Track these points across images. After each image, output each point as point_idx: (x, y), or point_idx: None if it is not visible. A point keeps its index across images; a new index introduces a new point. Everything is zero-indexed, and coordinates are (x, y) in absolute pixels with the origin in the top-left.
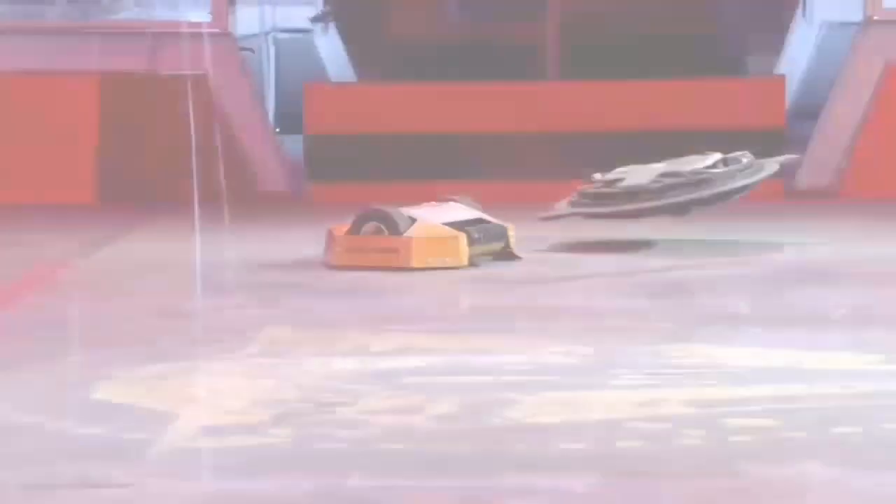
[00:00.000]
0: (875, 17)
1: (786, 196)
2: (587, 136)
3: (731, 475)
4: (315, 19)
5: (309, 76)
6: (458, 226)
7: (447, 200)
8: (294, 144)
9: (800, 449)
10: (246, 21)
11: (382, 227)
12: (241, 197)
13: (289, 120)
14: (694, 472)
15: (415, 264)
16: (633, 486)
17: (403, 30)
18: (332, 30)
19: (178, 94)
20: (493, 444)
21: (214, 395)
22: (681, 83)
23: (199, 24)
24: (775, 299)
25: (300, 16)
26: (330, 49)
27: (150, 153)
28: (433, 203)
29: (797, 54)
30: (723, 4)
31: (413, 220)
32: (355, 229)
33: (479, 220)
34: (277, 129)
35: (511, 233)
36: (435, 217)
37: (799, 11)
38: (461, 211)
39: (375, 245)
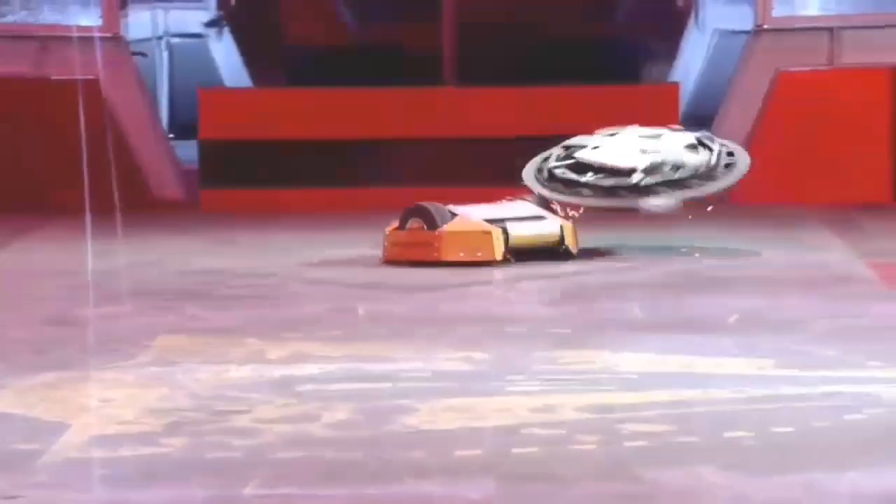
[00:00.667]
0: (765, 26)
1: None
2: (484, 141)
3: (627, 480)
4: (209, 24)
5: (203, 81)
6: (504, 222)
7: (514, 199)
8: (189, 150)
9: (694, 453)
10: (138, 25)
11: (422, 222)
12: (134, 204)
13: (183, 125)
14: (590, 477)
15: (446, 258)
16: (530, 491)
17: (300, 35)
18: (227, 34)
19: (68, 99)
20: (390, 451)
21: (106, 405)
22: (577, 89)
23: (89, 28)
24: (670, 305)
25: (194, 20)
26: (225, 54)
27: (39, 159)
28: (500, 202)
29: (691, 62)
30: (618, 11)
31: (453, 216)
32: (402, 225)
33: (537, 217)
34: (171, 135)
35: (567, 231)
36: (483, 213)
37: (692, 19)
38: (521, 208)
39: (416, 239)
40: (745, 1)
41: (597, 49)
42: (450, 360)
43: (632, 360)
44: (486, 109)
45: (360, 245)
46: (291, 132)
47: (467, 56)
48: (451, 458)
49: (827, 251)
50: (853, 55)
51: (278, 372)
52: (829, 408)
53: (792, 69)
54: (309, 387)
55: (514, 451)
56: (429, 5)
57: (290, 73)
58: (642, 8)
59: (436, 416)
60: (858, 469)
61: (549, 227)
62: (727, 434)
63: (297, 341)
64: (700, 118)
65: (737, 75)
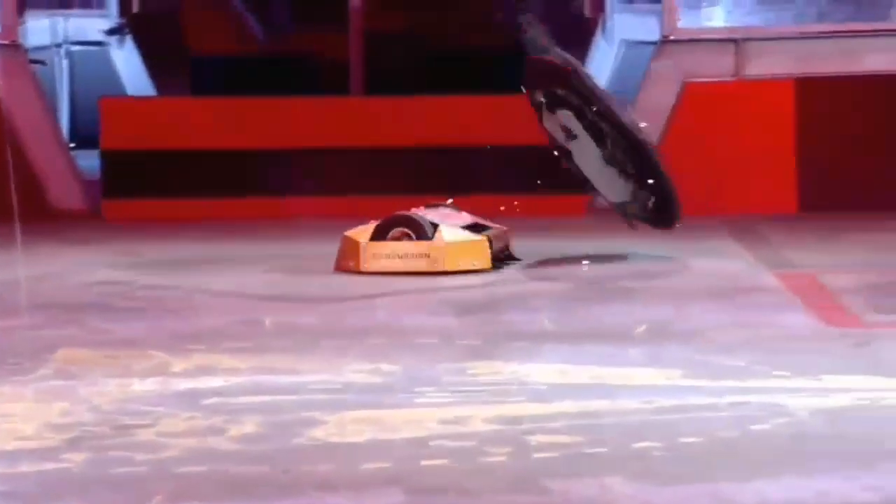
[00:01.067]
0: (672, 37)
1: (587, 211)
2: (393, 151)
3: (536, 492)
4: (110, 32)
5: (105, 90)
6: (473, 230)
7: (437, 205)
8: (91, 160)
9: (602, 464)
10: (37, 32)
11: (409, 232)
12: (34, 215)
13: (85, 135)
14: (499, 489)
15: (448, 268)
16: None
17: (206, 43)
18: (129, 42)
19: None
20: (297, 464)
21: (5, 420)
22: (484, 99)
23: None
24: (579, 315)
25: (94, 28)
26: (127, 62)
27: None
28: (423, 208)
29: (598, 73)
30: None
31: (435, 226)
32: (380, 235)
33: (481, 225)
34: (72, 145)
35: (510, 235)
36: (454, 223)
37: (599, 30)
38: (462, 216)
39: (406, 250)
40: (652, 12)
41: (504, 59)
42: (358, 371)
43: (541, 371)
44: (394, 119)
45: (267, 256)
46: (196, 142)
47: (375, 66)
48: (358, 471)
49: (734, 262)
50: (758, 66)
51: (183, 385)
52: (736, 418)
53: (698, 80)
54: (214, 400)
55: (424, 463)
56: (337, 15)
57: (196, 83)
58: (549, 18)
59: (344, 428)
60: (764, 478)
61: (499, 233)
62: (635, 445)
63: (203, 354)
64: None
65: (644, 86)
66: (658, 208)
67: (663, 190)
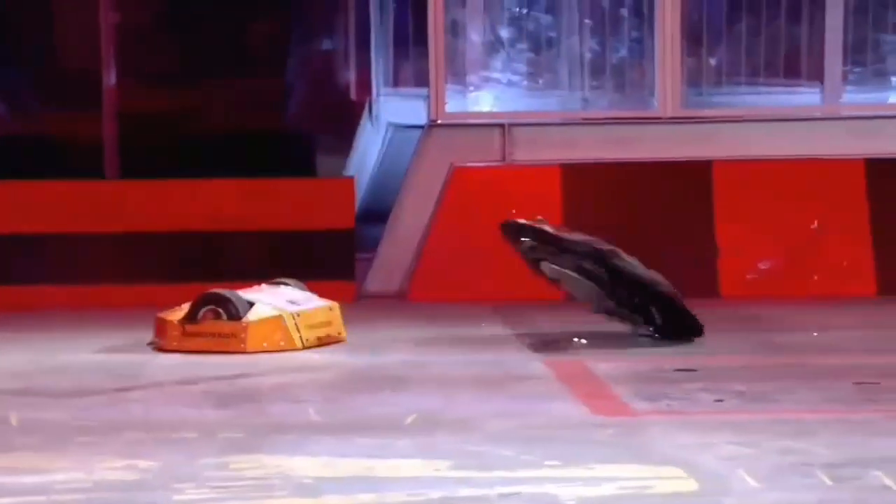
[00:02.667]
0: (439, 121)
1: (356, 299)
2: (150, 237)
3: None
4: None
5: None
6: (299, 307)
7: (277, 283)
8: None
9: None
10: None
11: (221, 311)
12: None
13: None
14: None
15: (250, 349)
16: None
17: None
18: None
19: None
20: None
21: None
22: (249, 182)
23: None
24: (346, 406)
25: None
26: None
27: None
28: (263, 286)
29: (365, 156)
30: (291, 104)
31: (251, 305)
32: (192, 314)
33: (312, 301)
34: None
35: (338, 313)
36: (274, 301)
37: (366, 113)
38: (295, 294)
39: (212, 330)
40: (419, 96)
41: (268, 142)
42: (111, 469)
43: (306, 464)
44: (151, 203)
45: (11, 348)
46: None
47: (129, 147)
48: None
49: (503, 349)
50: (525, 152)
51: None
52: None
53: (466, 165)
54: None
55: None
56: (89, 96)
57: None
58: (314, 101)
59: None
60: None
61: (326, 313)
62: None
63: None
64: (376, 212)
65: (412, 170)
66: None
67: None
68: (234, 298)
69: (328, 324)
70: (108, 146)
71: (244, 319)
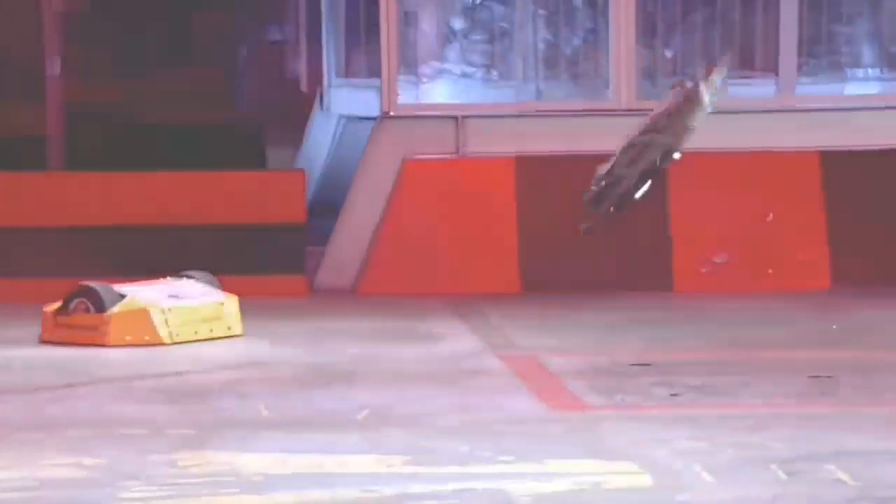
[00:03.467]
0: (391, 113)
1: (308, 293)
2: (95, 230)
3: None
4: None
5: None
6: (179, 300)
7: (181, 276)
8: None
9: None
10: None
11: (89, 303)
12: None
13: None
14: None
15: (111, 342)
16: None
17: None
18: None
19: None
20: None
21: None
22: (198, 175)
23: None
24: (296, 401)
25: None
26: None
27: None
28: (167, 279)
29: (317, 148)
30: (240, 94)
31: (122, 297)
32: (65, 305)
33: (206, 295)
34: None
35: (232, 308)
36: (153, 294)
37: (317, 105)
38: (190, 288)
39: (80, 322)
40: (372, 87)
41: (216, 134)
42: (57, 466)
43: (256, 460)
44: (97, 196)
45: None
46: None
47: (75, 140)
48: None
49: (456, 343)
50: (478, 144)
51: None
52: None
53: (418, 157)
54: None
55: None
56: (32, 87)
57: None
58: (263, 93)
59: None
60: None
61: (215, 308)
62: None
63: None
64: (327, 205)
65: (364, 163)
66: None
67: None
68: (102, 291)
69: (215, 319)
70: (54, 138)
71: (108, 312)
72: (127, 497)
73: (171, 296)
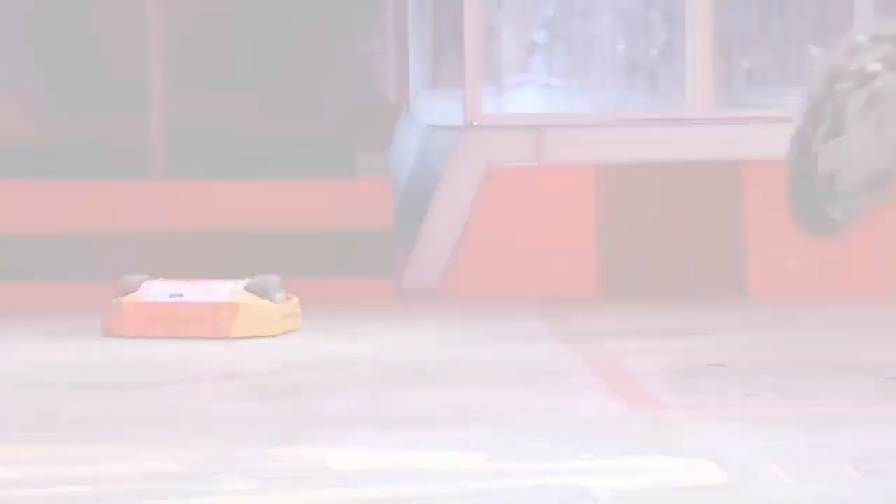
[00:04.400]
0: (475, 122)
1: (395, 296)
2: (198, 234)
3: None
4: None
5: None
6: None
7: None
8: None
9: None
10: None
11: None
12: None
13: None
14: None
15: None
16: None
17: None
18: None
19: None
20: None
21: None
22: (289, 183)
23: None
24: (384, 400)
25: None
26: None
27: None
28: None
29: (403, 156)
30: (329, 105)
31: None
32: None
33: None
34: None
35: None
36: (162, 291)
37: (403, 114)
38: (218, 288)
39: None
40: (456, 97)
41: (307, 144)
42: (158, 460)
43: (346, 456)
44: (198, 203)
45: (63, 343)
46: None
47: (177, 149)
48: None
49: (538, 344)
50: (559, 152)
51: None
52: (540, 500)
53: (501, 165)
54: (5, 493)
55: None
56: (135, 97)
57: None
58: (352, 103)
59: None
60: None
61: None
62: None
63: None
64: (413, 212)
65: (448, 170)
66: None
67: None
68: (119, 283)
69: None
70: (157, 147)
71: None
72: (223, 489)
73: (172, 294)
